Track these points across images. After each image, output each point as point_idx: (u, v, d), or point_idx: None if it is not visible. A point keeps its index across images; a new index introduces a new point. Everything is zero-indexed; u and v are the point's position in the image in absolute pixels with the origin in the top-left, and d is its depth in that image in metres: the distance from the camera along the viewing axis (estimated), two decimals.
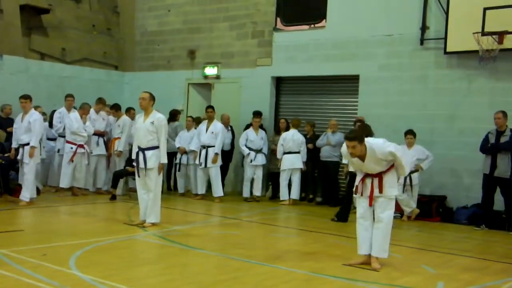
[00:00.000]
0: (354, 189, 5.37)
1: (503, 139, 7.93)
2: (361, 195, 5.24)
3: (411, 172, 8.55)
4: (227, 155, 10.70)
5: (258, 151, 10.13)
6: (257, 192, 10.15)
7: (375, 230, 5.20)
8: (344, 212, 8.14)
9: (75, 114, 9.39)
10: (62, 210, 8.34)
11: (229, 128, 10.88)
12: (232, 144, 10.88)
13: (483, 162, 8.11)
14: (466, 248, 6.74)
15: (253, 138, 10.13)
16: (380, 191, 5.12)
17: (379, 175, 5.14)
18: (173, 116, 11.23)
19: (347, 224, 7.83)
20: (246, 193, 10.20)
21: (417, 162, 8.66)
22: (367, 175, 5.20)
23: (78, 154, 9.26)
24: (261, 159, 10.16)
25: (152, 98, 6.99)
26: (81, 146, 9.30)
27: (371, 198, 5.14)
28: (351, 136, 5.03)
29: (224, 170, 10.49)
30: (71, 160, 9.18)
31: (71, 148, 9.22)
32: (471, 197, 8.63)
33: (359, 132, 4.99)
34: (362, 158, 5.04)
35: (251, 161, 10.05)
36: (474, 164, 8.53)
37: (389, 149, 5.01)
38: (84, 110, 9.50)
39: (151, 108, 6.98)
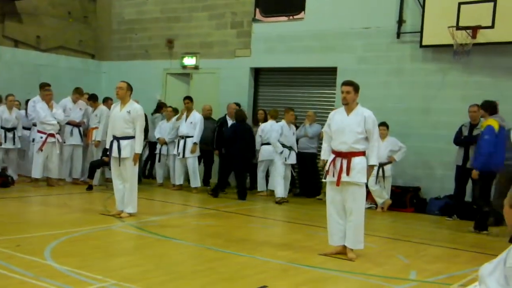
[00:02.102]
0: (324, 174, 5.46)
1: (476, 132, 8.11)
2: (333, 175, 5.29)
3: (384, 163, 8.70)
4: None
5: (291, 148, 9.36)
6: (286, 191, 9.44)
7: (349, 223, 5.27)
8: (217, 188, 9.29)
9: (41, 104, 9.17)
10: (37, 200, 8.23)
11: None
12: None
13: (456, 154, 8.30)
14: (438, 238, 6.93)
15: (287, 133, 9.26)
16: (348, 173, 5.18)
17: (348, 158, 5.21)
18: (157, 107, 11.27)
19: (324, 215, 7.91)
20: (281, 193, 9.09)
21: (390, 154, 8.82)
22: (337, 157, 5.27)
23: (48, 144, 9.08)
24: (293, 158, 9.41)
25: (130, 88, 6.91)
26: (51, 135, 9.12)
27: (339, 177, 5.20)
28: (349, 81, 5.44)
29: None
30: (40, 149, 9.03)
31: (41, 137, 9.07)
32: (444, 188, 8.83)
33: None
34: (348, 110, 5.33)
35: (285, 159, 9.18)
36: (448, 156, 8.71)
37: (374, 118, 5.36)
38: (44, 96, 9.11)
39: (129, 98, 6.90)
